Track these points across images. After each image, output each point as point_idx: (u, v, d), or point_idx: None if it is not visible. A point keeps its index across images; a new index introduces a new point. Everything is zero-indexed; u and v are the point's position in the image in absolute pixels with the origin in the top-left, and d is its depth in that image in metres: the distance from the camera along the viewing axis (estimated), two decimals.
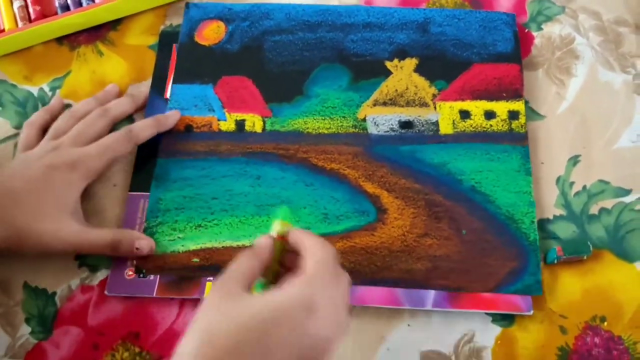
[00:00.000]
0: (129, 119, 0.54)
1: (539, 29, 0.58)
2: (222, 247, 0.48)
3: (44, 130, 0.52)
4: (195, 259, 0.48)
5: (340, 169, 0.51)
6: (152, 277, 0.47)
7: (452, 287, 0.46)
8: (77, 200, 0.47)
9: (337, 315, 0.35)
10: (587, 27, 0.58)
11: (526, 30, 0.58)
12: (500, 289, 0.46)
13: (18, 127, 0.55)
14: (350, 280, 0.38)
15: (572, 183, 0.51)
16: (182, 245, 0.48)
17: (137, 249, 0.47)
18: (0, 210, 0.45)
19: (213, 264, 0.48)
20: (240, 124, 0.53)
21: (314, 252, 0.37)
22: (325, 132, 0.53)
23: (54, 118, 0.53)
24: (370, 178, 0.51)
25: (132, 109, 0.54)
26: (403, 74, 0.55)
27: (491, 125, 0.52)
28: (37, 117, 0.53)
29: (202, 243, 0.48)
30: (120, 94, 0.56)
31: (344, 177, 0.51)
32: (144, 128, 0.51)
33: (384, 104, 0.54)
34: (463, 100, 0.54)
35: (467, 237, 0.48)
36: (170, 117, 0.53)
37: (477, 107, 0.53)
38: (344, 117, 0.53)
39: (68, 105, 0.55)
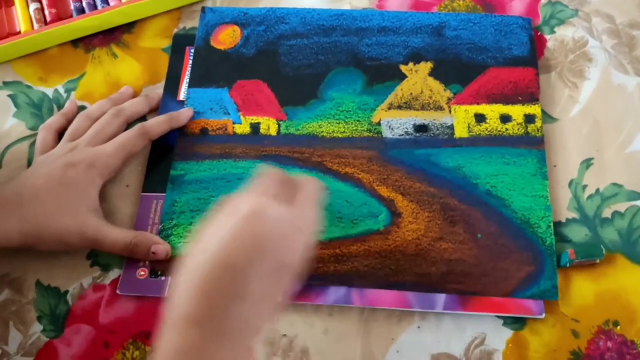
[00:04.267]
0: (143, 119, 0.55)
1: (552, 32, 0.58)
2: None
3: (59, 133, 0.53)
4: None
5: (355, 172, 0.51)
6: (163, 277, 0.48)
7: (467, 292, 0.46)
8: (96, 198, 0.48)
9: (290, 216, 0.38)
10: (601, 30, 0.57)
11: (539, 33, 0.58)
12: (516, 293, 0.46)
13: (33, 128, 0.55)
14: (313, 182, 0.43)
15: (584, 186, 0.50)
16: None
17: (153, 253, 0.47)
18: (21, 207, 0.46)
19: None
20: (255, 127, 0.54)
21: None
22: (340, 135, 0.53)
23: (69, 121, 0.53)
24: (384, 182, 0.51)
25: (146, 108, 0.54)
26: (418, 78, 0.55)
27: (507, 129, 0.52)
28: (52, 121, 0.54)
29: None
30: (134, 95, 0.56)
31: (358, 181, 0.51)
32: (157, 124, 0.52)
33: (399, 107, 0.54)
34: (478, 103, 0.53)
35: (482, 241, 0.48)
36: (183, 114, 0.53)
37: (492, 111, 0.53)
38: (358, 120, 0.54)
39: (82, 107, 0.56)
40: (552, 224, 0.48)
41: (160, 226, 0.50)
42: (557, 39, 0.57)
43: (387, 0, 0.61)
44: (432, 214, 0.49)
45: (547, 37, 0.57)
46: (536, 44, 0.57)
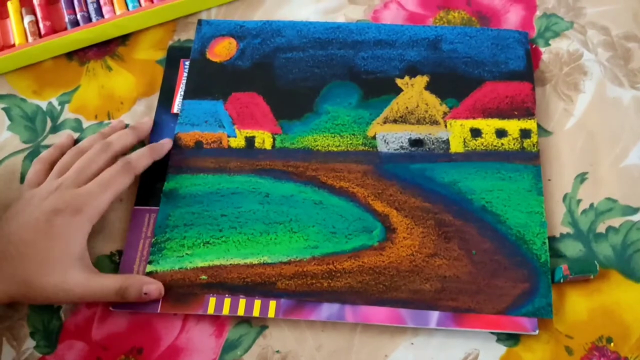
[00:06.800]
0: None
1: (547, 44, 0.57)
2: (230, 264, 0.48)
3: (52, 166, 0.51)
4: (204, 276, 0.48)
5: (350, 187, 0.51)
6: None
7: (462, 309, 0.46)
8: (83, 244, 0.47)
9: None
10: (596, 43, 0.57)
11: (534, 46, 0.57)
12: (510, 311, 0.46)
13: (27, 141, 0.55)
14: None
15: (579, 201, 0.50)
16: (190, 262, 0.48)
17: (145, 294, 0.46)
18: (7, 265, 0.45)
19: (221, 281, 0.48)
20: (250, 141, 0.53)
21: None
22: (335, 149, 0.53)
23: (64, 154, 0.52)
24: (379, 196, 0.50)
25: (134, 141, 0.53)
26: (414, 92, 0.55)
27: (502, 144, 0.52)
28: (47, 154, 0.52)
29: (210, 260, 0.48)
30: (126, 127, 0.55)
31: (353, 195, 0.51)
32: (141, 158, 0.50)
33: (394, 121, 0.54)
34: (474, 118, 0.53)
35: (477, 257, 0.48)
36: (164, 145, 0.52)
37: (488, 126, 0.53)
38: (353, 134, 0.53)
39: (77, 120, 0.56)
40: (547, 241, 0.48)
41: (153, 239, 0.49)
42: (552, 51, 0.57)
43: (382, 12, 0.60)
44: (427, 229, 0.49)
45: (542, 49, 0.57)
46: (531, 57, 0.56)
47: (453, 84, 0.55)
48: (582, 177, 0.51)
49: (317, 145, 0.53)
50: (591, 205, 0.50)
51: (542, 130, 0.53)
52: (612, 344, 0.45)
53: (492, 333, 0.46)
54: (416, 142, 0.53)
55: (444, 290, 0.47)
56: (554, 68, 0.56)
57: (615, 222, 0.49)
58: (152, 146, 0.52)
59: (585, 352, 0.45)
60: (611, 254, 0.48)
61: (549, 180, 0.51)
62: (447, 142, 0.53)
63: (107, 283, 0.46)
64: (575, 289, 0.47)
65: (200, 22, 0.60)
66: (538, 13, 0.59)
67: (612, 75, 0.56)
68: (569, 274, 0.46)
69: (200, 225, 0.50)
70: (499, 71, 0.55)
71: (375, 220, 0.49)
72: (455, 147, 0.52)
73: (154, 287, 0.46)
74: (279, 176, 0.52)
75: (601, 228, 0.49)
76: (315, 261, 0.48)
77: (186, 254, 0.49)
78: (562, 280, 0.47)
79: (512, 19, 0.59)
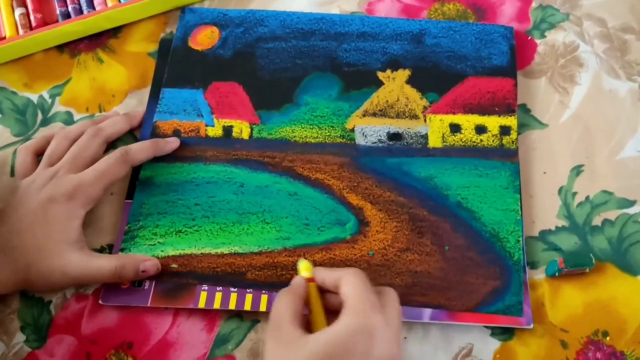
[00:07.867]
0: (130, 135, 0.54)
1: (543, 36, 0.57)
2: (201, 253, 0.48)
3: (38, 154, 0.51)
4: (174, 265, 0.47)
5: (325, 179, 0.51)
6: (146, 286, 0.47)
7: (431, 304, 0.45)
8: (78, 229, 0.47)
9: (392, 331, 0.37)
10: (592, 35, 0.57)
11: (529, 38, 0.57)
12: (480, 308, 0.45)
13: (18, 134, 0.55)
14: (393, 291, 0.40)
15: (574, 193, 0.50)
16: (162, 251, 0.48)
17: (143, 271, 0.46)
18: (11, 254, 0.45)
19: (191, 270, 0.47)
20: (227, 130, 0.53)
21: (347, 279, 0.39)
22: (313, 141, 0.52)
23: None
24: (354, 189, 0.50)
25: (126, 127, 0.53)
26: (395, 85, 0.54)
27: (481, 140, 0.52)
28: (32, 142, 0.52)
29: (182, 249, 0.48)
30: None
31: (328, 187, 0.50)
32: (141, 151, 0.50)
33: (374, 114, 0.53)
34: (454, 113, 0.53)
35: (449, 253, 0.47)
36: (169, 143, 0.52)
37: (468, 121, 0.52)
38: (332, 126, 0.53)
39: (68, 112, 0.55)
40: (521, 239, 0.47)
41: (126, 227, 0.49)
42: (548, 43, 0.57)
43: (377, 4, 0.60)
44: (400, 224, 0.48)
45: (538, 41, 0.57)
46: (527, 49, 0.56)
47: (435, 78, 0.54)
48: (577, 170, 0.51)
49: (294, 136, 0.53)
50: (587, 198, 0.50)
51: (538, 123, 0.53)
52: (607, 338, 0.45)
53: (486, 327, 0.45)
54: (395, 136, 0.52)
55: (415, 286, 0.46)
56: (550, 60, 0.56)
57: (611, 214, 0.49)
58: (156, 141, 0.51)
59: (580, 346, 0.45)
60: (607, 247, 0.48)
61: (544, 173, 0.51)
62: (425, 136, 0.52)
63: (104, 263, 0.46)
64: (571, 282, 0.47)
65: (183, 9, 0.59)
66: (534, 5, 0.59)
67: (609, 67, 0.55)
68: (564, 267, 0.46)
69: (173, 214, 0.50)
70: (481, 66, 0.55)
71: (349, 213, 0.49)
72: (434, 142, 0.52)
73: (151, 264, 0.47)
74: (254, 166, 0.51)
75: (597, 221, 0.49)
76: (287, 252, 0.48)
77: (158, 242, 0.48)
78: (557, 274, 0.46)
79: (508, 10, 0.59)
